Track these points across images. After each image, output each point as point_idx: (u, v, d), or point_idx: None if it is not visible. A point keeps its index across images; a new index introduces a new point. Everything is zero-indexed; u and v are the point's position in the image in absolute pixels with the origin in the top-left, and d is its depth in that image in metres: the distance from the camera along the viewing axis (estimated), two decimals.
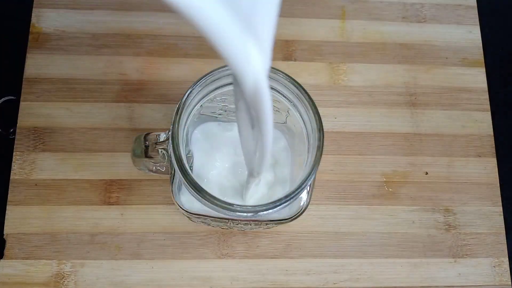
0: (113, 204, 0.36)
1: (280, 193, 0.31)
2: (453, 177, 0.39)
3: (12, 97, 0.39)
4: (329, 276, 0.36)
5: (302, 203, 0.29)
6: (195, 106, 0.29)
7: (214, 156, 0.33)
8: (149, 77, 0.39)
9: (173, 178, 0.29)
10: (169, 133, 0.28)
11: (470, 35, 0.43)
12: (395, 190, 0.38)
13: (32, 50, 0.39)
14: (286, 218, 0.29)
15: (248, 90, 0.20)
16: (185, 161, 0.26)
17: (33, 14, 0.40)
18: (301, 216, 0.30)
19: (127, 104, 0.39)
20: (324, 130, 0.27)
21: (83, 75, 0.39)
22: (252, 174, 0.28)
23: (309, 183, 0.27)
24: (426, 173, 0.39)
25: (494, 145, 0.40)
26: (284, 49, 0.41)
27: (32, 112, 0.38)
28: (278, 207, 0.26)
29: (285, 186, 0.33)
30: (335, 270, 0.36)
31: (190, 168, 0.31)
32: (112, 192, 0.37)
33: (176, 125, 0.27)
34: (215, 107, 0.32)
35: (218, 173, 0.33)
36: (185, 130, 0.29)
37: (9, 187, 0.36)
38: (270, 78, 0.29)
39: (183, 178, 0.26)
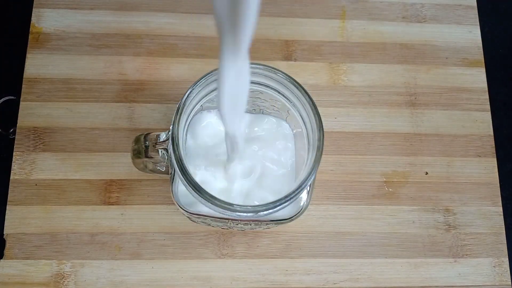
0: (113, 204, 0.36)
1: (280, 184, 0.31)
2: (453, 177, 0.39)
3: (12, 97, 0.39)
4: (329, 276, 0.36)
5: (302, 203, 0.29)
6: (195, 106, 0.29)
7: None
8: (149, 77, 0.39)
9: (173, 178, 0.29)
10: (169, 133, 0.28)
11: (470, 35, 0.43)
12: (395, 190, 0.38)
13: (32, 50, 0.39)
14: (286, 218, 0.29)
15: None
16: (185, 161, 0.26)
17: (33, 14, 0.40)
18: (301, 216, 0.30)
19: (127, 104, 0.39)
20: (324, 130, 0.27)
21: (83, 75, 0.39)
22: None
23: (309, 183, 0.27)
24: (426, 173, 0.39)
25: (494, 145, 0.40)
26: (284, 49, 0.41)
27: (32, 112, 0.38)
28: (278, 207, 0.26)
29: (287, 177, 0.32)
30: (335, 270, 0.36)
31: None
32: (112, 192, 0.37)
33: (176, 125, 0.27)
34: (215, 107, 0.32)
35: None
36: (185, 130, 0.29)
37: (9, 187, 0.36)
38: (270, 78, 0.29)
39: (183, 178, 0.26)
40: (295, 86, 0.28)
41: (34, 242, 0.35)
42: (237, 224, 0.30)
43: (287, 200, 0.26)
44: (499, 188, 0.39)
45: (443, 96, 0.41)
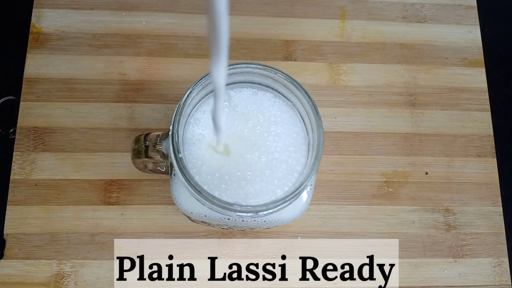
0: (113, 204, 0.36)
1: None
2: (453, 177, 0.39)
3: (12, 97, 0.39)
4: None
5: (302, 203, 0.29)
6: (195, 106, 0.29)
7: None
8: (149, 77, 0.39)
9: (173, 179, 0.29)
10: (169, 133, 0.28)
11: (470, 35, 0.43)
12: (395, 190, 0.38)
13: (32, 50, 0.39)
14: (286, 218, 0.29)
15: None
16: (185, 161, 0.26)
17: (33, 14, 0.40)
18: (301, 216, 0.30)
19: (127, 104, 0.39)
20: (324, 130, 0.27)
21: (83, 75, 0.39)
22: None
23: (309, 183, 0.27)
24: (426, 173, 0.39)
25: (494, 145, 0.40)
26: (284, 49, 0.41)
27: (32, 112, 0.38)
28: (278, 207, 0.26)
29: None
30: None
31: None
32: (112, 192, 0.37)
33: (176, 125, 0.27)
34: None
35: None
36: (185, 130, 0.29)
37: (9, 187, 0.36)
38: (271, 78, 0.29)
39: (183, 179, 0.26)
40: (295, 86, 0.28)
41: (34, 242, 0.35)
42: (237, 224, 0.30)
43: (287, 200, 0.26)
44: (499, 188, 0.39)
45: (443, 96, 0.41)
